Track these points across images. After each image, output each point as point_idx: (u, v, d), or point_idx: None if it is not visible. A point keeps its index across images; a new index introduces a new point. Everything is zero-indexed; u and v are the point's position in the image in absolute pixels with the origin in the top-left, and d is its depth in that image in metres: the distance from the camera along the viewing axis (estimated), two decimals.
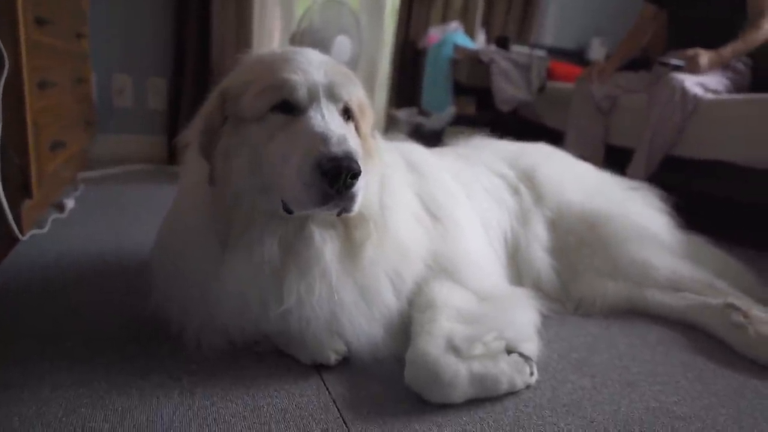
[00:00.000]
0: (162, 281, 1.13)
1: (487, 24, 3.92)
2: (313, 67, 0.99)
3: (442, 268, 1.18)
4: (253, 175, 0.96)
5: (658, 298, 1.48)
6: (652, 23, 3.05)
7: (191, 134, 1.07)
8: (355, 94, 1.03)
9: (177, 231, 1.11)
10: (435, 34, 3.56)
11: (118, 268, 1.56)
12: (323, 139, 0.88)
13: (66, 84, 2.27)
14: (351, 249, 1.03)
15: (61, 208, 2.06)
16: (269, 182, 0.95)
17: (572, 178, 1.72)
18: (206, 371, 1.02)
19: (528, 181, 1.65)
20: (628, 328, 1.40)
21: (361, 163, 0.88)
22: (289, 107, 0.95)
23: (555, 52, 3.85)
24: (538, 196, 1.62)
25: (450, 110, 3.28)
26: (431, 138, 3.09)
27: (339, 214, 0.95)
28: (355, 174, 0.86)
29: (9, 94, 1.55)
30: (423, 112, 3.50)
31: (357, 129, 1.04)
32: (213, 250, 1.00)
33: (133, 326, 1.18)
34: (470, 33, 3.77)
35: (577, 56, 4.14)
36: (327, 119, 0.93)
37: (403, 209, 1.17)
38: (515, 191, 1.62)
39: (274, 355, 1.09)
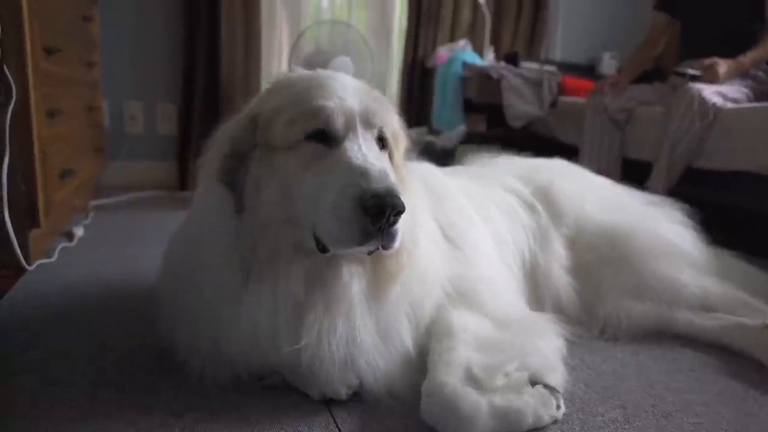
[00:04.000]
0: (169, 309, 1.08)
1: (495, 41, 3.90)
2: (348, 93, 0.95)
3: (460, 294, 1.13)
4: (282, 206, 0.92)
5: (689, 318, 1.39)
6: (664, 33, 3.00)
7: (211, 157, 1.01)
8: (390, 120, 1.00)
9: (192, 259, 1.05)
10: (443, 52, 3.55)
11: (125, 298, 1.53)
12: (363, 173, 0.85)
13: (76, 112, 2.28)
14: (378, 285, 0.99)
15: (70, 236, 2.04)
16: (299, 215, 0.91)
17: (590, 193, 1.65)
18: (209, 406, 0.97)
19: (544, 198, 1.59)
20: (658, 352, 1.31)
21: (403, 198, 0.84)
22: (324, 136, 0.92)
23: (565, 68, 3.80)
24: (556, 213, 1.56)
25: (461, 128, 3.24)
26: (443, 157, 3.04)
27: (371, 253, 0.91)
28: (399, 211, 0.83)
29: (17, 123, 1.55)
30: (433, 131, 3.46)
31: (391, 157, 1.01)
32: (234, 281, 0.95)
33: (137, 358, 1.13)
34: (479, 51, 3.75)
35: (588, 71, 4.09)
36: (364, 150, 0.90)
37: (424, 236, 1.11)
38: (531, 208, 1.56)
39: (280, 389, 1.03)
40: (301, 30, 3.15)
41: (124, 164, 3.23)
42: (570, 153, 2.83)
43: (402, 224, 0.87)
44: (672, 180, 2.49)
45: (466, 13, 3.79)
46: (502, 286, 1.30)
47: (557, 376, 1.01)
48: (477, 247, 1.30)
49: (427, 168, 1.46)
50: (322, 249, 0.91)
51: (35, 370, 1.07)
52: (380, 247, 0.87)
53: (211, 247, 0.99)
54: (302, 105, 0.93)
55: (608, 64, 4.16)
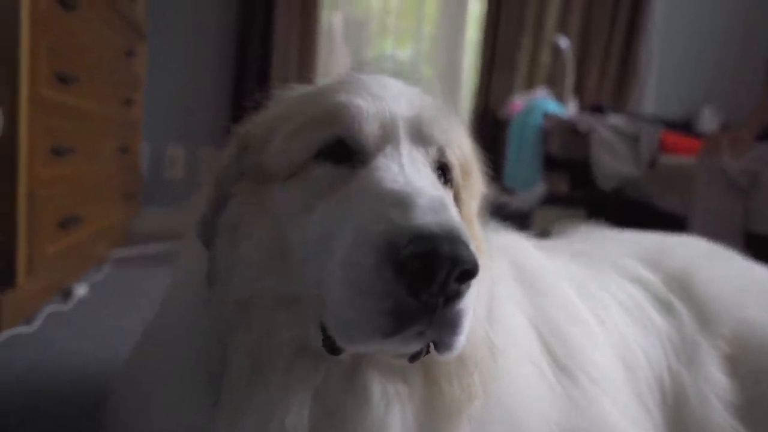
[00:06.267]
0: (124, 420, 0.72)
1: (577, 91, 3.48)
2: (389, 92, 0.60)
3: None
4: (275, 270, 0.55)
5: None
6: None
7: (195, 204, 0.70)
8: (458, 141, 0.63)
9: (152, 354, 0.73)
10: (519, 102, 3.15)
11: (100, 388, 1.15)
12: (399, 200, 0.46)
13: (99, 152, 2.02)
14: (435, 422, 0.58)
15: (68, 296, 1.72)
16: (301, 287, 0.53)
17: (751, 286, 1.16)
18: None
19: (683, 293, 1.11)
20: None
21: (475, 252, 0.44)
22: (347, 153, 0.57)
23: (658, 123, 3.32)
24: (704, 316, 1.07)
25: (539, 188, 2.78)
26: (517, 221, 2.57)
27: (416, 358, 0.51)
28: (466, 271, 0.43)
29: (1, 158, 1.27)
30: (506, 191, 3.02)
31: (457, 202, 0.63)
32: (198, 399, 0.58)
33: None
34: (559, 100, 3.33)
35: (685, 128, 3.58)
36: (408, 171, 0.52)
37: (515, 351, 0.69)
38: (667, 308, 1.08)
39: None
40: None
41: (161, 211, 2.98)
42: (671, 223, 2.35)
43: (471, 302, 0.46)
44: None
45: (544, 59, 3.41)
46: None
47: None
48: (598, 373, 0.84)
49: (515, 241, 1.03)
50: (331, 347, 0.51)
51: None
52: (431, 347, 0.48)
53: (172, 342, 0.66)
54: (314, 107, 0.59)
55: (709, 120, 3.66)
